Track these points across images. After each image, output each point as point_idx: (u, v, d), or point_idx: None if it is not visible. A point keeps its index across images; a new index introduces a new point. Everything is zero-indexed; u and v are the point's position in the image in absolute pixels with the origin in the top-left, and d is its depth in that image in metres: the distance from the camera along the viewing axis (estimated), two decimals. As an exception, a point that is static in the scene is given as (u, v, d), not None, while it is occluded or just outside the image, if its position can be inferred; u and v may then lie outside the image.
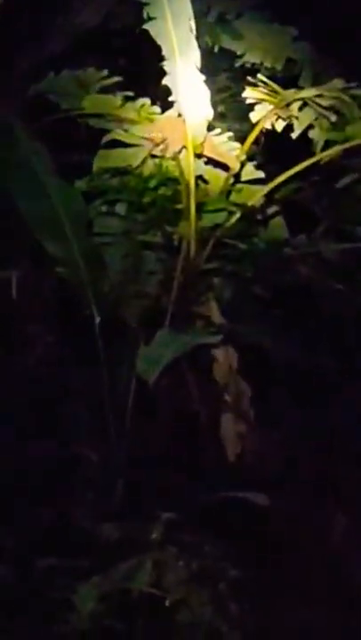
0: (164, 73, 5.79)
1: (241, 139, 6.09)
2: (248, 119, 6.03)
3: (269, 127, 5.94)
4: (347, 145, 5.96)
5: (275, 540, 5.37)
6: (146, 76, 6.14)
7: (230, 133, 6.14)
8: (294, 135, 5.94)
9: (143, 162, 6.04)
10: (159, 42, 5.75)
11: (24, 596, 4.44)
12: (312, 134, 5.96)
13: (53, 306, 5.99)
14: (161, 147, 5.98)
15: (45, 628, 4.27)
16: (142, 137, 6.04)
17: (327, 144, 5.94)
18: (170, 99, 5.84)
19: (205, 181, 6.10)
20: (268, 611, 4.67)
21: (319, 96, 5.76)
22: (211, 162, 6.10)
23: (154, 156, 6.04)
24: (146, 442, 5.78)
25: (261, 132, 6.02)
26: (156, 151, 6.01)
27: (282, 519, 5.49)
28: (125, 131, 6.06)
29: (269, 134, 6.10)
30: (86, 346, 5.76)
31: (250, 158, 6.19)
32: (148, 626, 4.38)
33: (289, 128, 6.02)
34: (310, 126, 5.92)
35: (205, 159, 6.05)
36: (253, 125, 5.96)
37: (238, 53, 6.43)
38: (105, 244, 6.05)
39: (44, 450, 5.49)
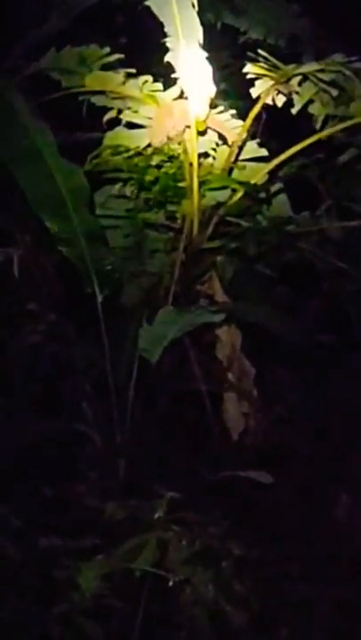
0: (166, 50, 5.74)
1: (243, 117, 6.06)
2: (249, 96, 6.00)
3: (270, 102, 5.89)
4: (350, 122, 5.93)
5: (278, 519, 5.36)
6: (148, 53, 6.10)
7: (233, 111, 6.10)
8: (294, 110, 5.90)
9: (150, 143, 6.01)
10: (161, 18, 5.71)
11: (27, 574, 4.43)
12: (313, 109, 5.92)
13: (55, 284, 5.97)
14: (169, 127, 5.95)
15: (49, 607, 4.26)
16: (148, 117, 6.00)
17: (327, 119, 5.90)
18: (172, 76, 5.80)
19: (209, 156, 6.07)
20: (272, 590, 4.67)
21: (320, 71, 5.71)
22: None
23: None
24: (149, 421, 5.77)
25: (263, 108, 5.98)
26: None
27: (285, 498, 5.49)
28: (131, 110, 6.02)
29: (272, 112, 6.07)
30: (88, 325, 5.75)
31: (252, 136, 6.15)
32: (151, 605, 4.38)
33: (291, 105, 5.98)
34: (311, 101, 5.88)
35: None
36: (255, 102, 5.92)
37: (241, 30, 6.37)
38: (106, 222, 6.04)
39: (47, 428, 5.48)
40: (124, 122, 6.10)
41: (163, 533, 4.37)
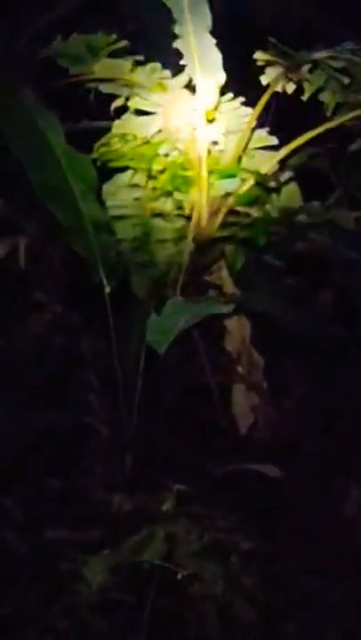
0: (174, 37, 5.68)
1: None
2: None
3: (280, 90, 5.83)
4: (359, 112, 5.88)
5: (287, 513, 5.32)
6: (155, 40, 6.05)
7: (242, 98, 6.03)
8: (304, 97, 5.83)
9: (160, 130, 5.95)
10: (169, 4, 5.64)
11: (33, 567, 4.41)
12: (323, 97, 5.86)
13: (62, 275, 5.93)
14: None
15: (55, 601, 4.23)
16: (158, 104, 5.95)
17: (338, 107, 5.84)
18: (181, 62, 5.74)
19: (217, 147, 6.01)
20: (281, 585, 4.64)
21: (331, 58, 5.64)
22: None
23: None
24: (156, 413, 5.73)
25: (274, 97, 5.92)
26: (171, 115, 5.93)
27: (294, 492, 5.45)
28: (140, 97, 5.97)
29: (282, 101, 6.01)
30: (95, 316, 5.71)
31: (262, 124, 6.10)
32: (159, 599, 4.35)
33: (301, 93, 5.92)
34: (321, 89, 5.81)
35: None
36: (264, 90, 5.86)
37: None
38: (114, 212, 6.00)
39: (53, 421, 5.45)
40: (131, 109, 6.04)
41: (171, 527, 4.34)
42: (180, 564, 4.27)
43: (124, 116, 6.01)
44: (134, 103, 5.97)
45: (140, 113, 6.02)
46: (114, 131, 5.99)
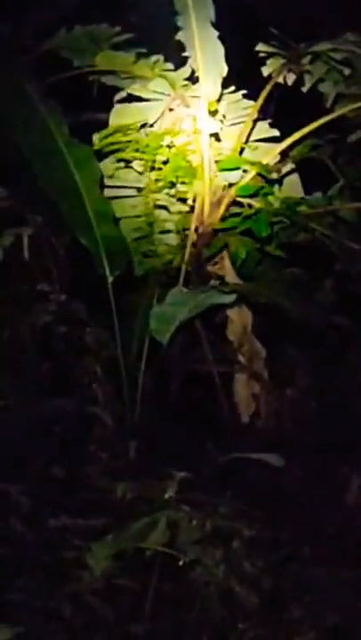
0: (177, 28, 5.71)
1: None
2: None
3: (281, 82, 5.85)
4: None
5: (289, 500, 5.35)
6: (158, 33, 6.07)
7: (244, 91, 6.06)
8: (305, 88, 5.86)
9: (161, 116, 5.97)
10: (172, -4, 5.68)
11: (39, 554, 4.43)
12: (323, 87, 5.88)
13: (66, 265, 5.95)
14: (178, 101, 5.91)
15: (59, 587, 4.26)
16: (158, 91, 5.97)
17: (338, 98, 5.86)
18: (184, 54, 5.77)
19: (219, 139, 6.03)
20: (283, 570, 4.66)
21: (332, 49, 5.67)
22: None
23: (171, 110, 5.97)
24: (159, 402, 5.76)
25: (275, 90, 5.94)
26: (174, 105, 5.95)
27: (296, 480, 5.48)
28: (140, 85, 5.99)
29: (284, 93, 6.04)
30: (99, 306, 5.74)
31: (264, 116, 6.12)
32: (161, 585, 4.37)
33: (302, 85, 5.95)
34: (322, 80, 5.83)
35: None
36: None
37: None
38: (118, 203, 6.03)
39: (57, 409, 5.47)
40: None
41: (173, 513, 4.35)
42: (182, 550, 4.29)
43: (125, 104, 6.02)
44: (133, 90, 5.98)
45: (139, 100, 6.04)
46: (112, 117, 6.01)
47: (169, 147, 5.95)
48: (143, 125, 6.00)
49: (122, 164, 6.11)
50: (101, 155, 6.05)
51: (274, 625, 4.43)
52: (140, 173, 6.04)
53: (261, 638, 4.35)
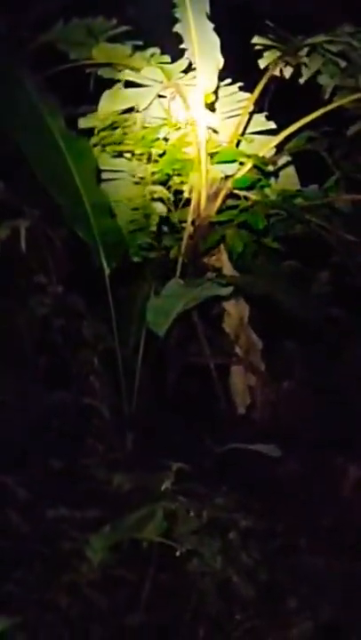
0: (174, 20, 5.71)
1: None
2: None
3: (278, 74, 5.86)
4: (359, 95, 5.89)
5: (285, 491, 5.36)
6: (154, 25, 6.07)
7: (241, 83, 6.06)
8: (302, 80, 5.86)
9: (151, 103, 5.97)
10: (169, -11, 5.69)
11: (35, 545, 4.44)
12: (320, 80, 5.88)
13: (63, 257, 5.95)
14: (170, 89, 5.91)
15: (56, 578, 4.27)
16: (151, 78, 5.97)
17: (335, 91, 5.86)
18: (181, 46, 5.77)
19: (216, 132, 6.04)
20: (280, 561, 4.67)
21: (329, 42, 5.67)
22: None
23: (161, 97, 5.96)
24: (156, 394, 5.77)
25: (272, 82, 5.94)
26: (166, 92, 5.94)
27: (292, 471, 5.49)
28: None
29: (280, 86, 6.04)
30: (96, 298, 5.74)
31: (260, 109, 6.12)
32: (158, 576, 4.38)
33: (299, 78, 5.95)
34: (319, 73, 5.83)
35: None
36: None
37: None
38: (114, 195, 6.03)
39: (55, 401, 5.48)
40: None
41: (170, 504, 4.36)
42: (179, 541, 4.29)
43: (115, 87, 6.02)
44: (125, 75, 5.97)
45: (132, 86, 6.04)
46: (102, 101, 6.01)
47: (165, 139, 5.95)
48: (130, 110, 5.97)
49: (119, 158, 6.12)
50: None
51: (271, 616, 4.44)
52: (132, 158, 6.03)
53: (258, 629, 4.36)
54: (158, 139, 5.96)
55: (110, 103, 6.01)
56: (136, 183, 6.09)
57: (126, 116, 5.99)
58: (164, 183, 6.04)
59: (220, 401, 5.91)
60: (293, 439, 5.67)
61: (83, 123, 6.03)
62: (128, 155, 6.04)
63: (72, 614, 4.21)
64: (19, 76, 5.97)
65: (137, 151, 6.03)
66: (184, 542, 4.30)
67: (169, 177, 6.02)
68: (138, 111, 5.96)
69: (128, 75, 5.98)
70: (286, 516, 5.08)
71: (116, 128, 6.05)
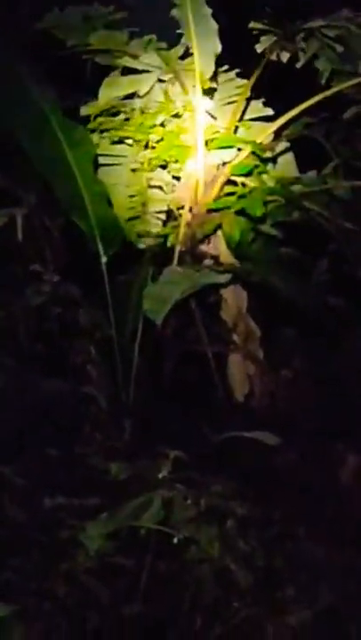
0: (172, 5, 5.69)
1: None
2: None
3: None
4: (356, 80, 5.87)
5: (283, 480, 5.35)
6: (152, 13, 6.04)
7: (238, 70, 6.04)
8: (299, 65, 5.82)
9: (151, 88, 5.94)
10: (166, -25, 5.66)
11: (33, 533, 4.43)
12: (318, 64, 5.85)
13: (60, 245, 5.94)
14: (169, 75, 5.88)
15: (54, 566, 4.26)
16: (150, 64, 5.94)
17: (333, 75, 5.83)
18: (178, 31, 5.75)
19: (214, 117, 6.01)
20: (277, 548, 4.66)
21: (326, 26, 5.64)
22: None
23: (161, 81, 5.93)
24: (153, 382, 5.76)
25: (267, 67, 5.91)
26: (165, 78, 5.92)
27: (290, 459, 5.48)
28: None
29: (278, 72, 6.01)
30: (93, 286, 5.73)
31: (258, 95, 6.10)
32: (156, 563, 4.38)
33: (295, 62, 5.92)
34: (316, 57, 5.80)
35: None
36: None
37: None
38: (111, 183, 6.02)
39: (52, 390, 5.47)
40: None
41: (168, 492, 4.35)
42: (176, 529, 4.29)
43: (114, 74, 5.99)
44: (124, 61, 5.95)
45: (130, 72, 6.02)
46: (103, 88, 5.98)
47: (162, 125, 5.92)
48: (131, 96, 5.95)
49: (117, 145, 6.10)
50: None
51: (268, 604, 4.43)
52: (134, 144, 6.01)
53: (256, 617, 4.36)
54: (156, 125, 5.93)
55: (111, 90, 5.97)
56: (133, 170, 6.06)
57: (127, 102, 5.95)
58: (163, 167, 6.01)
59: (218, 389, 5.90)
60: (292, 428, 5.66)
61: (84, 110, 5.99)
62: (130, 141, 6.00)
63: (69, 602, 4.21)
64: (15, 65, 5.96)
65: (135, 137, 5.99)
66: (182, 530, 4.29)
67: (166, 164, 5.99)
68: (140, 97, 5.92)
69: (127, 61, 5.94)
70: (284, 504, 5.07)
71: (115, 114, 6.02)
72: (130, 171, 6.09)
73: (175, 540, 4.26)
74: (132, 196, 6.06)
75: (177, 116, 5.93)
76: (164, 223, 6.06)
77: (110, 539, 4.30)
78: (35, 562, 4.35)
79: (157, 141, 5.95)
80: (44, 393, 5.47)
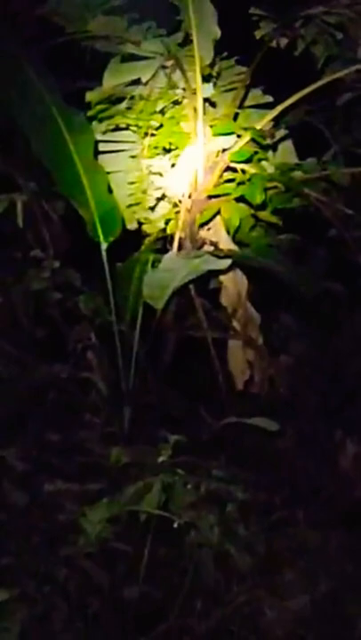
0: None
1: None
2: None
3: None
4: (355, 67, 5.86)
5: (283, 465, 5.37)
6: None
7: (237, 57, 6.04)
8: (297, 51, 5.82)
9: (155, 74, 5.94)
10: None
11: (33, 518, 4.45)
12: (317, 51, 5.84)
13: (60, 231, 5.94)
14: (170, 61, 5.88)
15: (54, 551, 4.28)
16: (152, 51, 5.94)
17: (330, 61, 5.83)
18: (177, 18, 5.75)
19: (213, 104, 6.01)
20: (277, 533, 4.68)
21: (325, 13, 5.63)
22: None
23: (164, 67, 5.93)
24: (153, 368, 5.77)
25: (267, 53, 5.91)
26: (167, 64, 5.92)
27: (290, 444, 5.49)
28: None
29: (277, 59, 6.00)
30: (93, 272, 5.74)
31: (257, 82, 6.10)
32: (156, 548, 4.39)
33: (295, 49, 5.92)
34: (315, 43, 5.80)
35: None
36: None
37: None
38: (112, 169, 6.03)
39: (52, 375, 5.48)
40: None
41: (168, 477, 4.36)
42: (177, 513, 4.30)
43: (115, 60, 5.98)
44: (127, 48, 5.94)
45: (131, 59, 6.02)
46: (107, 75, 5.98)
47: (162, 112, 5.92)
48: (137, 81, 5.95)
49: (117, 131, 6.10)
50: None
51: (268, 588, 4.45)
52: (137, 131, 6.02)
53: (255, 601, 4.38)
54: (156, 111, 5.93)
55: (114, 77, 5.96)
56: (133, 157, 6.06)
57: (130, 88, 5.94)
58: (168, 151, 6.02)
59: (218, 375, 5.90)
60: (291, 413, 5.67)
61: (89, 97, 5.99)
62: (133, 128, 6.00)
63: (70, 587, 4.22)
64: (15, 51, 5.95)
65: (136, 124, 5.99)
66: (182, 515, 4.30)
67: (166, 151, 5.99)
68: (144, 84, 5.92)
69: (129, 47, 5.94)
70: (284, 490, 5.09)
71: (116, 101, 6.02)
72: (130, 157, 6.08)
73: (175, 525, 4.27)
74: (132, 183, 6.05)
75: (177, 102, 5.93)
76: (164, 210, 6.05)
77: (111, 523, 4.31)
78: (34, 546, 4.36)
79: (157, 128, 5.95)
80: (45, 378, 5.48)
